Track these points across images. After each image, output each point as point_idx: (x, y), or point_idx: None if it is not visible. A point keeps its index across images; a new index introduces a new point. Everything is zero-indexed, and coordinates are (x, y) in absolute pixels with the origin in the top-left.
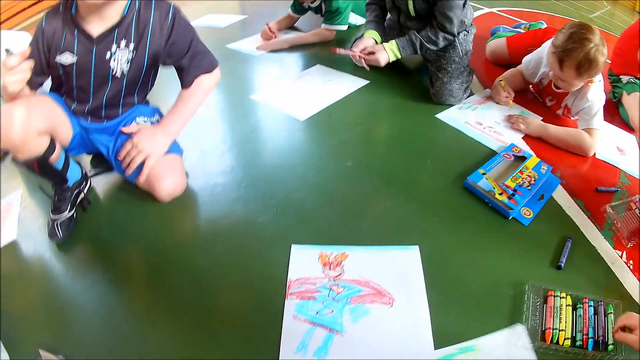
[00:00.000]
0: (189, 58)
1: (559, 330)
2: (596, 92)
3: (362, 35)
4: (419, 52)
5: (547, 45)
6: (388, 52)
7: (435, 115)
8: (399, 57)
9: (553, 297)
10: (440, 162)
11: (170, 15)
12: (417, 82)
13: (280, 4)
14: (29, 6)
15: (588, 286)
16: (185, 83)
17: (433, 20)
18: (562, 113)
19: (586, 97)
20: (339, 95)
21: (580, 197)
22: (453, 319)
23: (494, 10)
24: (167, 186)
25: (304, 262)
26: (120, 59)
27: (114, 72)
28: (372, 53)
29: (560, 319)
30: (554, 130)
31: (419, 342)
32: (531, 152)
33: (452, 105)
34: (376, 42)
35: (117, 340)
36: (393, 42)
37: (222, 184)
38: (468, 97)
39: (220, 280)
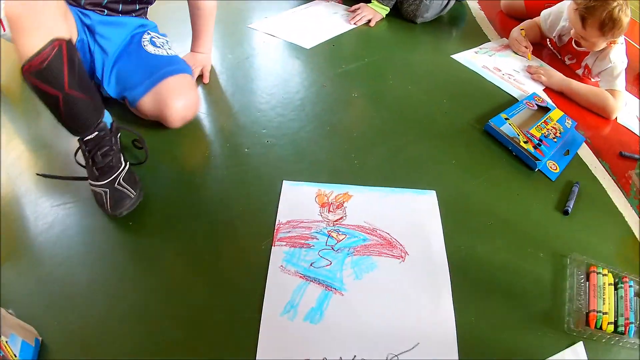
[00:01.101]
0: None
1: (603, 314)
2: (619, 53)
3: None
4: None
5: (567, 1)
6: (378, 11)
7: (450, 56)
8: (387, 9)
9: (595, 274)
10: (457, 102)
11: None
12: (430, 22)
13: None
14: None
15: (617, 259)
16: None
17: None
18: (582, 73)
19: (608, 57)
20: (345, 27)
21: (605, 158)
22: (478, 281)
23: None
24: (180, 106)
25: (298, 201)
26: None
27: None
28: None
29: (603, 299)
30: (576, 85)
31: (436, 307)
32: (554, 104)
33: (428, 19)
34: None
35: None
36: (373, 0)
37: (205, 112)
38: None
39: (196, 221)
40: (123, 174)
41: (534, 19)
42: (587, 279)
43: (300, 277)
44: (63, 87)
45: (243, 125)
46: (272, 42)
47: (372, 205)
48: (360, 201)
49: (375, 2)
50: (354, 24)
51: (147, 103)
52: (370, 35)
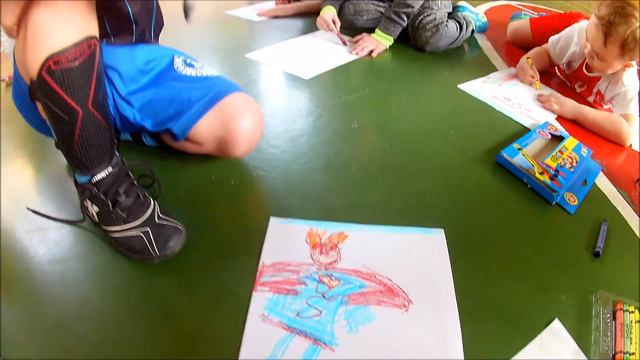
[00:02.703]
0: None
1: (630, 354)
2: (632, 76)
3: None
4: (404, 23)
5: (577, 25)
6: (381, 41)
7: (457, 85)
8: (392, 39)
9: (622, 312)
10: (466, 133)
11: None
12: (436, 52)
13: None
14: None
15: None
16: None
17: None
18: (593, 100)
19: (622, 81)
20: (347, 58)
21: (623, 186)
22: (493, 332)
23: (512, 2)
24: (248, 125)
25: (286, 241)
26: None
27: None
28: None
29: (630, 339)
30: (589, 112)
31: None
32: (567, 133)
33: (440, 48)
34: (334, 18)
35: None
36: (377, 30)
37: None
38: (460, 40)
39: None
40: (158, 206)
41: (542, 46)
42: (614, 317)
43: (285, 328)
44: (86, 102)
45: None
46: (270, 72)
47: (370, 246)
48: (357, 242)
49: (380, 32)
50: (356, 54)
51: (205, 128)
52: (373, 66)
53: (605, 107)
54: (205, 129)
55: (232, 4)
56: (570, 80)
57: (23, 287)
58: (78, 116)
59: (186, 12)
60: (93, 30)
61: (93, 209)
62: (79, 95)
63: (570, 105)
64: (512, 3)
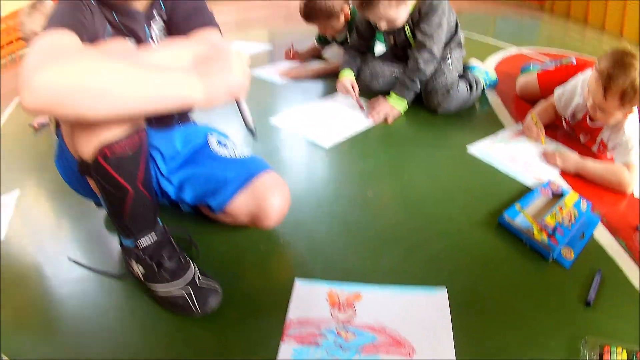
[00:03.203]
0: (192, 10)
1: None
2: (633, 124)
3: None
4: (417, 89)
5: (581, 76)
6: (395, 106)
7: (466, 146)
8: (406, 103)
9: (609, 354)
10: (473, 196)
11: None
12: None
13: (308, 36)
14: None
15: (634, 337)
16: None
17: (413, 50)
18: (597, 149)
19: (622, 129)
20: (363, 124)
21: (621, 235)
22: None
23: (523, 50)
24: (278, 203)
25: (309, 300)
26: (158, 32)
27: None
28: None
29: None
30: (592, 166)
31: None
32: (569, 188)
33: (451, 110)
34: (352, 82)
35: None
36: (392, 94)
37: None
38: (471, 101)
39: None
40: (197, 268)
41: (548, 99)
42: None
43: None
44: (136, 182)
45: None
46: (293, 140)
47: (382, 305)
48: (370, 301)
49: (394, 97)
50: (372, 119)
51: (239, 204)
52: (388, 131)
53: (608, 155)
54: (239, 205)
55: (253, 64)
56: (575, 130)
57: (65, 336)
58: (128, 194)
59: (251, 130)
60: (142, 120)
61: (138, 269)
62: (130, 177)
63: (573, 161)
64: (524, 50)
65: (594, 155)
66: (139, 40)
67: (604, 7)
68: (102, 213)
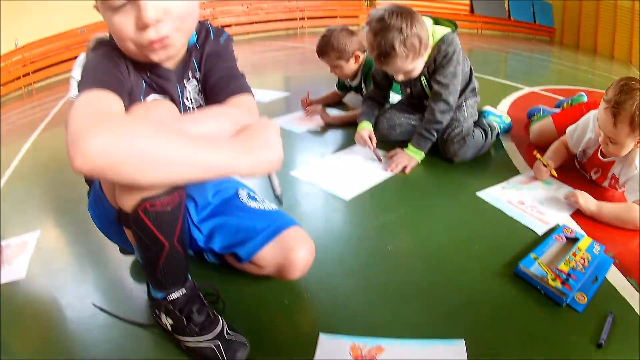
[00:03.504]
0: (227, 76)
1: None
2: None
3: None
4: (434, 138)
5: (593, 112)
6: (413, 156)
7: (476, 194)
8: (423, 153)
9: None
10: (488, 246)
11: (224, 36)
12: (455, 166)
13: (324, 82)
14: None
15: None
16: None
17: (429, 100)
18: (608, 185)
19: (634, 163)
20: (382, 176)
21: (633, 275)
22: None
23: (535, 89)
24: (304, 254)
25: (333, 354)
26: (194, 92)
27: (189, 108)
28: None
29: None
30: (607, 208)
31: None
32: (582, 231)
33: (467, 159)
34: (370, 134)
35: None
36: (409, 145)
37: None
38: (486, 147)
39: None
40: (224, 322)
41: (560, 139)
42: None
43: None
44: (173, 237)
45: None
46: (314, 192)
47: (403, 357)
48: (392, 354)
49: (412, 148)
50: (391, 171)
51: (267, 254)
52: (406, 182)
53: (620, 190)
54: (267, 255)
55: (271, 113)
56: (586, 168)
57: None
58: (164, 248)
59: (277, 197)
60: None
61: (167, 321)
62: (168, 232)
63: (593, 201)
64: (536, 90)
65: (606, 191)
66: (172, 99)
67: (611, 36)
68: (126, 260)
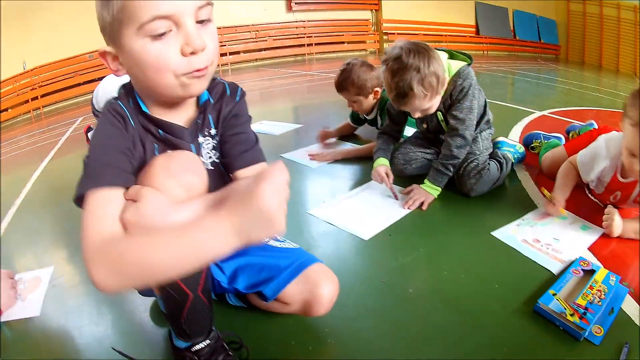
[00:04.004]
0: (243, 143)
1: None
2: None
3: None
4: (451, 174)
5: (604, 136)
6: (430, 192)
7: (491, 233)
8: (440, 189)
9: None
10: (507, 285)
11: (239, 92)
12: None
13: (334, 112)
14: None
15: None
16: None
17: (445, 135)
18: (634, 200)
19: None
20: (400, 213)
21: None
22: None
23: (545, 113)
24: (330, 289)
25: None
26: (208, 149)
27: (206, 165)
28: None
29: None
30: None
31: None
32: (599, 263)
33: (483, 192)
34: (387, 171)
35: None
36: (426, 181)
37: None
38: (501, 180)
39: None
40: None
41: (569, 159)
42: None
43: None
44: (197, 288)
45: (308, 323)
46: (332, 231)
47: None
48: None
49: (428, 183)
50: (408, 208)
51: (293, 291)
52: (423, 219)
53: None
54: (293, 292)
55: (283, 146)
56: (603, 196)
57: None
58: (188, 299)
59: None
60: None
61: None
62: (192, 284)
63: (629, 225)
64: (546, 113)
65: (628, 212)
66: None
67: (616, 50)
68: (145, 301)
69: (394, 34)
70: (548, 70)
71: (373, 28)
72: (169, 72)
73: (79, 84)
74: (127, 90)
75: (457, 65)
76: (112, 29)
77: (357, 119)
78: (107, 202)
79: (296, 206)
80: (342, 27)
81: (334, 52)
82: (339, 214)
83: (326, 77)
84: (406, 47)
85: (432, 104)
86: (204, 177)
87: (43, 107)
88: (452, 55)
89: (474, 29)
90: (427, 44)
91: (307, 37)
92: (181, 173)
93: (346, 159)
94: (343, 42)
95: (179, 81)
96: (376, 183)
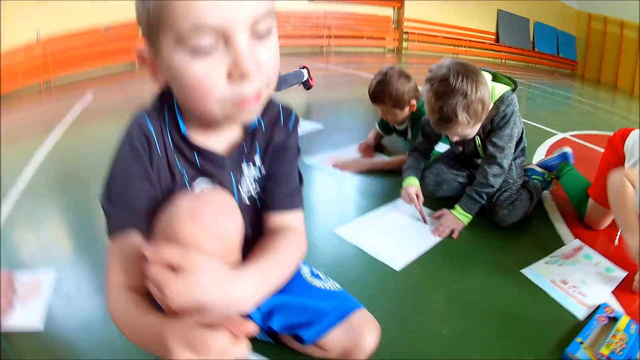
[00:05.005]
0: (285, 181)
1: None
2: None
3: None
4: (484, 202)
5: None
6: (460, 219)
7: (521, 271)
8: (471, 217)
9: None
10: (538, 331)
11: (293, 118)
12: (499, 230)
13: (355, 113)
14: None
15: None
16: (271, 208)
17: (481, 160)
18: None
19: None
20: (430, 241)
21: None
22: None
23: (567, 135)
24: (373, 338)
25: None
26: (250, 179)
27: (243, 199)
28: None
29: None
30: None
31: None
32: (621, 309)
33: (514, 222)
34: (418, 191)
35: None
36: (457, 207)
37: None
38: (530, 210)
39: None
40: None
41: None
42: None
43: None
44: None
45: None
46: (361, 257)
47: None
48: None
49: (459, 210)
50: (439, 235)
51: (334, 338)
52: (454, 250)
53: None
54: (334, 339)
55: (305, 149)
56: None
57: None
58: None
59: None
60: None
61: None
62: None
63: None
64: (568, 135)
65: None
66: (221, 186)
67: (633, 72)
68: None
69: (414, 33)
70: (564, 86)
71: (394, 26)
72: (211, 99)
73: (93, 58)
74: (165, 102)
75: (500, 89)
76: (150, 30)
77: (387, 128)
78: (125, 249)
79: (322, 221)
80: (363, 21)
81: (352, 46)
82: (367, 237)
83: (346, 74)
84: (454, 69)
85: (474, 130)
86: (239, 221)
87: (53, 79)
88: (495, 77)
89: (494, 37)
90: (470, 64)
91: (327, 28)
92: (212, 220)
93: (371, 171)
94: (362, 37)
95: (223, 111)
96: (404, 202)
